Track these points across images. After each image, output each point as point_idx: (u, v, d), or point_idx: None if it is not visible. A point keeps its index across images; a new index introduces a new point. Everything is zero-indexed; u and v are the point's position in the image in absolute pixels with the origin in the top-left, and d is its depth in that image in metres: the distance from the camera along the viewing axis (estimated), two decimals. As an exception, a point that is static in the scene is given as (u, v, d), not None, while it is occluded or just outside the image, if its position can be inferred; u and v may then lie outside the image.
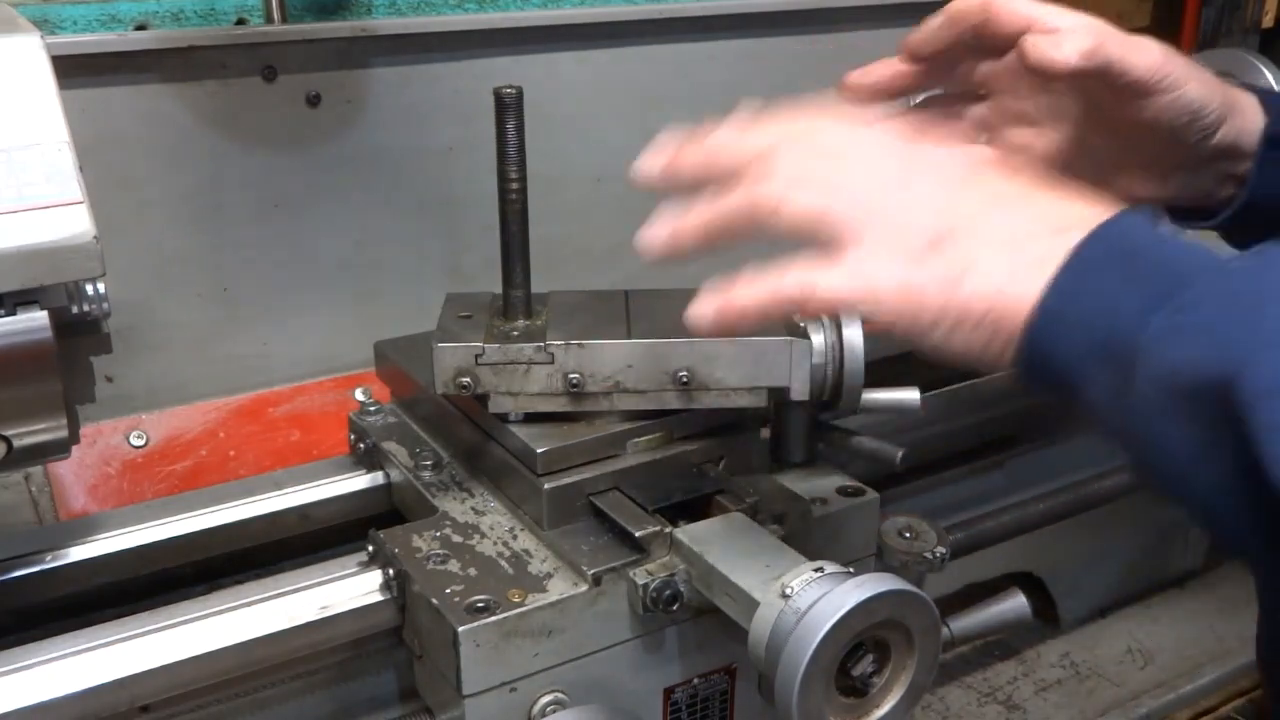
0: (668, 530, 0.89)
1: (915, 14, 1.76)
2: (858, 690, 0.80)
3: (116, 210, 1.22)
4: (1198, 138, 0.87)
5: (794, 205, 0.73)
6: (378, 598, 0.92)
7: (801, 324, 0.98)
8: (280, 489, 1.08)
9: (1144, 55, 0.83)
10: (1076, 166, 0.89)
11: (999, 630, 1.23)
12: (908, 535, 1.06)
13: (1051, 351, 0.66)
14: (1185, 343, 0.60)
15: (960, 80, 0.91)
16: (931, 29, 0.88)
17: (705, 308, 0.74)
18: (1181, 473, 0.62)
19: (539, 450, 0.93)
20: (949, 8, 0.88)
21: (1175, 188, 0.92)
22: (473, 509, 0.99)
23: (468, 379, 0.94)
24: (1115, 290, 0.64)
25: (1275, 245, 0.62)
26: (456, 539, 0.94)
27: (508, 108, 0.92)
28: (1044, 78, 0.84)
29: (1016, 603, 1.18)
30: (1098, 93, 0.86)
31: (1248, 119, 0.91)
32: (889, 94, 0.90)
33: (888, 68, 0.90)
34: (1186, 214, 0.95)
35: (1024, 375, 0.69)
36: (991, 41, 0.87)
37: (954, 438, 1.32)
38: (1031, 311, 0.66)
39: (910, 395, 1.02)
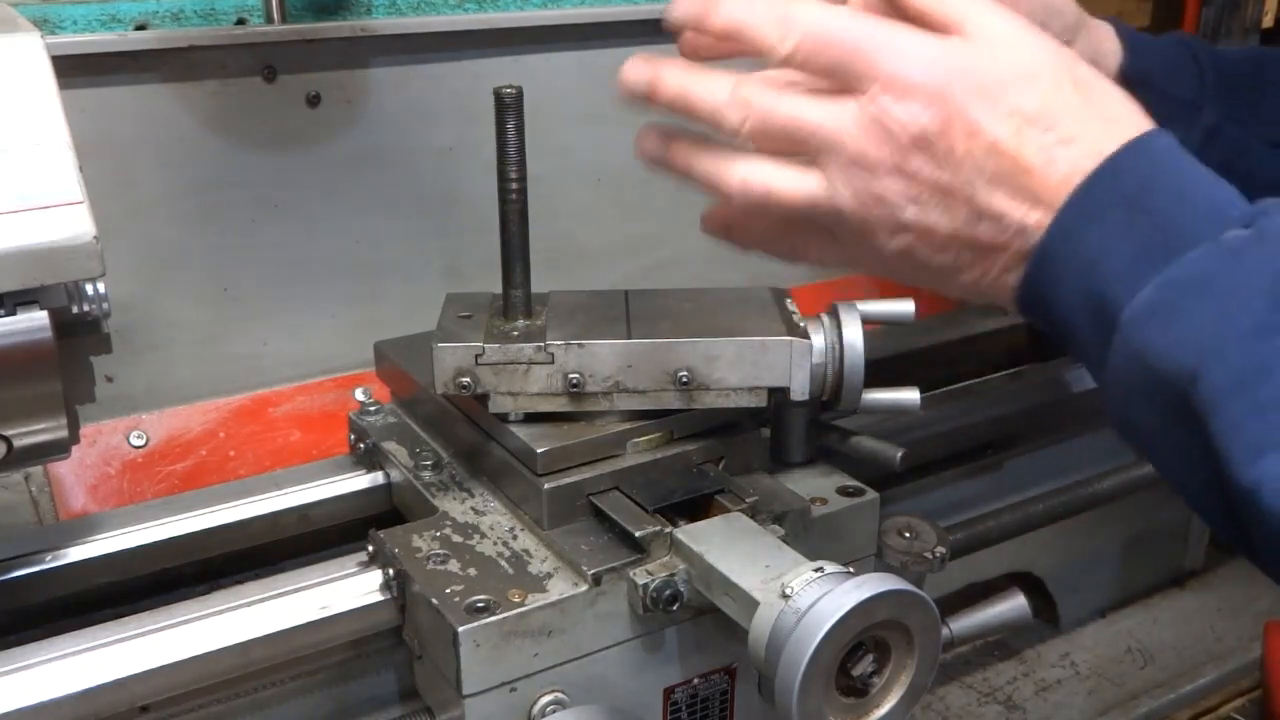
0: (668, 530, 0.89)
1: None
2: (858, 690, 0.80)
3: (116, 210, 1.21)
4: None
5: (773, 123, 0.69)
6: (378, 598, 0.92)
7: (801, 324, 0.98)
8: (280, 489, 1.08)
9: None
10: None
11: (999, 630, 1.23)
12: (908, 535, 1.06)
13: (1048, 294, 0.64)
14: (1158, 327, 0.58)
15: None
16: None
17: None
18: (1151, 450, 0.62)
19: (539, 450, 0.93)
20: None
21: None
22: (473, 509, 0.99)
23: (468, 379, 0.94)
24: (1111, 242, 0.61)
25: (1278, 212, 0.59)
26: (456, 539, 0.94)
27: (508, 108, 0.92)
28: None
29: (1016, 603, 1.18)
30: None
31: (1104, 43, 0.90)
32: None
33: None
34: None
35: (1023, 312, 0.67)
36: None
37: (954, 438, 1.31)
38: (1031, 249, 0.64)
39: (910, 395, 1.02)
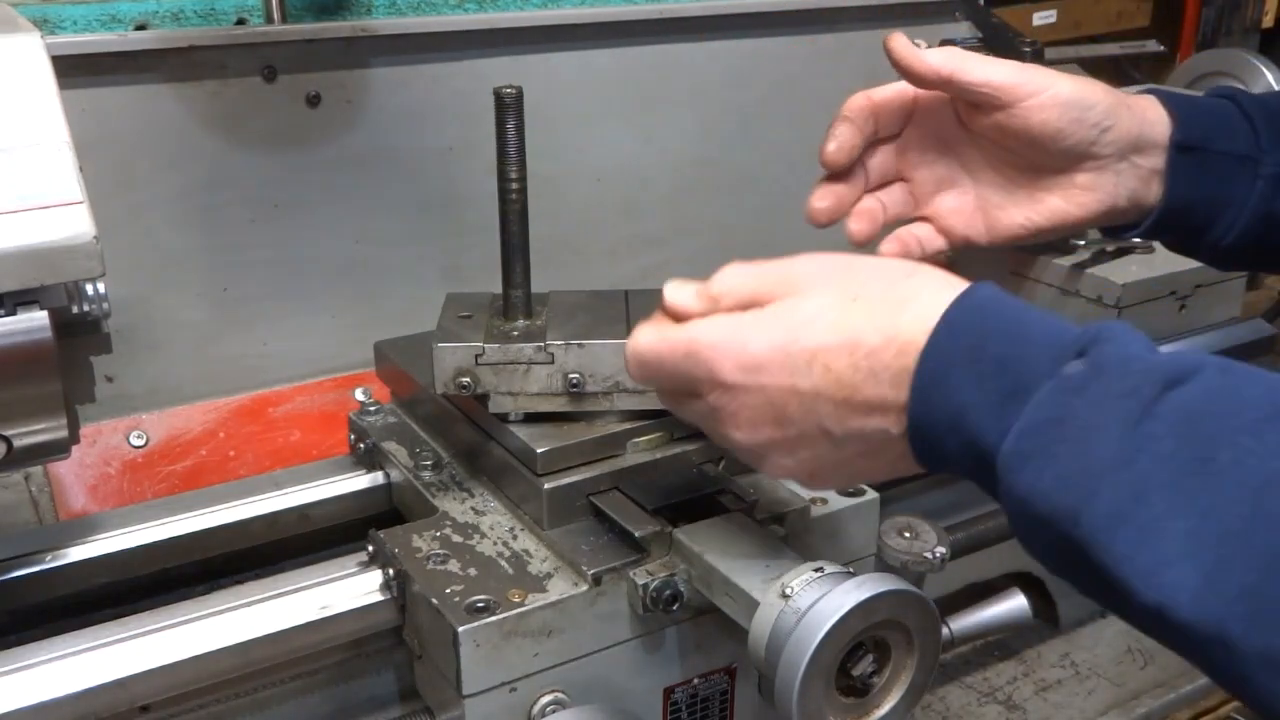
0: (668, 530, 0.89)
1: (914, 14, 1.76)
2: (858, 690, 0.80)
3: (116, 210, 1.22)
4: (1095, 135, 0.88)
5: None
6: (378, 598, 0.92)
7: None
8: (280, 489, 1.08)
9: (998, 65, 0.87)
10: (1009, 210, 0.93)
11: (999, 630, 1.23)
12: (908, 535, 1.06)
13: (939, 458, 0.69)
14: (1031, 474, 0.62)
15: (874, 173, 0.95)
16: (843, 136, 0.91)
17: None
18: (1064, 578, 0.65)
19: (539, 450, 0.93)
20: (846, 107, 0.92)
21: (1103, 197, 0.92)
22: (473, 509, 0.99)
23: (468, 379, 0.94)
24: (967, 395, 0.65)
25: (1107, 339, 0.63)
26: (456, 539, 0.94)
27: (508, 108, 0.92)
28: (911, 78, 0.88)
29: (1016, 603, 1.19)
30: (985, 122, 0.89)
31: (1149, 115, 0.92)
32: (844, 210, 0.93)
33: (832, 191, 0.92)
34: (1117, 225, 0.97)
35: (939, 474, 0.72)
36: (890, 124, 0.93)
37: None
38: (904, 433, 0.69)
39: (910, 395, 1.02)
